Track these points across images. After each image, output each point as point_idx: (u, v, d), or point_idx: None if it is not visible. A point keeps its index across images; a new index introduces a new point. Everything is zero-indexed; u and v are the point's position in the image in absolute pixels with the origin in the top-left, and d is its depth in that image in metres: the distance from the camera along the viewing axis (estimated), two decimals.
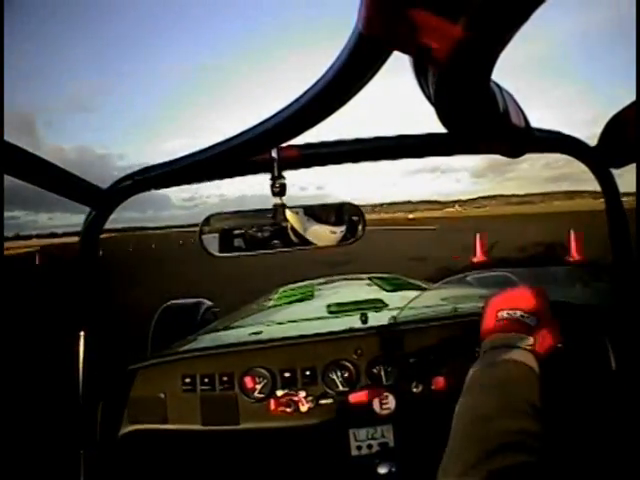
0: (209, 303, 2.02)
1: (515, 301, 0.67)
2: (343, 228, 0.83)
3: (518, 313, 0.65)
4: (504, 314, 0.65)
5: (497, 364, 0.59)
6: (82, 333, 0.79)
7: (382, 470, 0.83)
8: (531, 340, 0.61)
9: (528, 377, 0.56)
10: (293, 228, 0.78)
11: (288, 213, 0.76)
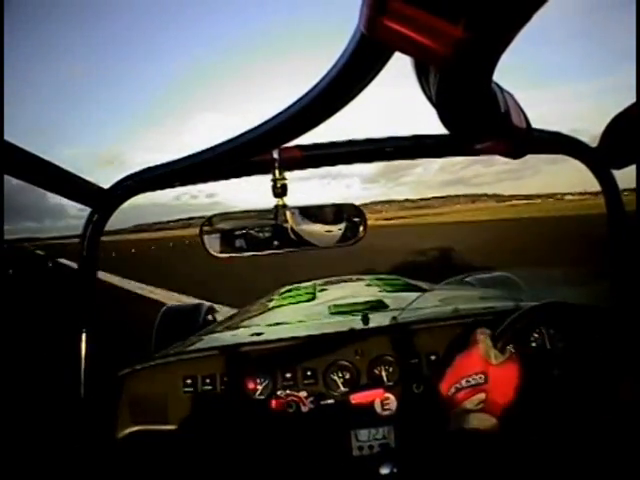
0: (210, 304, 2.02)
1: (456, 373, 0.69)
2: (342, 229, 0.83)
3: (463, 381, 0.66)
4: (452, 390, 0.67)
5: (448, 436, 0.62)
6: (83, 333, 0.79)
7: (383, 471, 0.83)
8: (482, 396, 0.64)
9: (473, 442, 0.59)
10: (294, 229, 0.78)
11: (289, 214, 0.76)
